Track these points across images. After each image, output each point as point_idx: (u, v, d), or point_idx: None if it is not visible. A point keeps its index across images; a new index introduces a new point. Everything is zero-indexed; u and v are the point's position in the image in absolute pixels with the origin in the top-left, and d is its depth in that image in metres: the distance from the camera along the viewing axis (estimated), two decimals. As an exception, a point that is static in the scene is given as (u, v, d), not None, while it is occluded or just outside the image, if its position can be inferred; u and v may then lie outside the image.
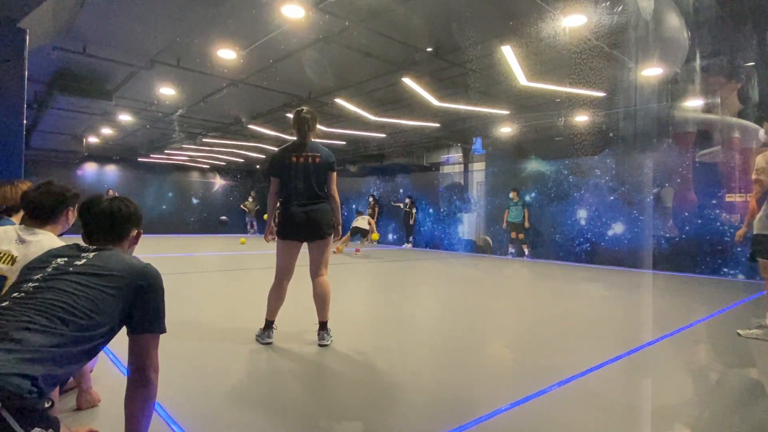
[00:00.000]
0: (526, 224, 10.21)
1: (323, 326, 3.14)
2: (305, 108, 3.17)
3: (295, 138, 3.16)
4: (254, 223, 18.37)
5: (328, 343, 3.10)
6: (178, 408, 2.10)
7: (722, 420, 2.19)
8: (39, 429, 1.06)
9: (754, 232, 3.51)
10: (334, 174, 3.17)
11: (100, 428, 1.84)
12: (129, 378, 1.43)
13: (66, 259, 1.44)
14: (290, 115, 9.13)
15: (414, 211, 13.13)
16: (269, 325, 3.19)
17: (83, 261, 1.43)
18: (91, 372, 2.27)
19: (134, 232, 1.70)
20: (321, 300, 3.10)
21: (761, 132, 3.77)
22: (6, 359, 1.07)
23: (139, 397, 1.42)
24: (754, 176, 3.49)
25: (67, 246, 1.54)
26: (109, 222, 1.60)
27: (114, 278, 1.39)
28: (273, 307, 3.18)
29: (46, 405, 1.12)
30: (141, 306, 1.42)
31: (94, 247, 1.52)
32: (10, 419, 1.00)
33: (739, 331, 3.59)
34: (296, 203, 3.02)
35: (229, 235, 17.38)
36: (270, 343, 3.15)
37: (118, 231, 1.62)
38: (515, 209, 10.31)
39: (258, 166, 18.87)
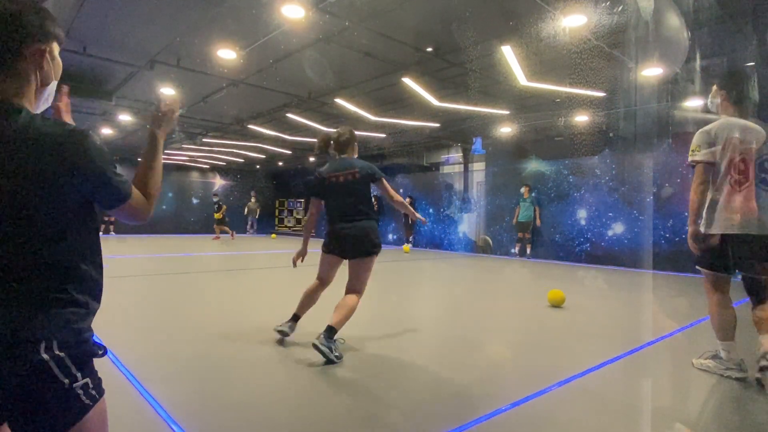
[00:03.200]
0: (538, 222, 10.15)
1: (330, 330, 2.84)
2: (341, 129, 3.32)
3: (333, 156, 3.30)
4: (254, 222, 18.35)
5: (324, 349, 2.74)
6: (178, 408, 2.10)
7: (722, 420, 2.18)
8: (89, 381, 0.99)
9: (702, 231, 2.70)
10: (383, 181, 3.21)
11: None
12: None
13: None
14: (293, 116, 9.19)
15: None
16: (294, 317, 3.27)
17: None
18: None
19: (33, 49, 1.04)
20: (342, 310, 2.98)
21: (709, 99, 2.99)
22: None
23: None
24: (689, 159, 2.74)
25: None
26: None
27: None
28: (302, 304, 3.29)
29: (100, 352, 1.05)
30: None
31: None
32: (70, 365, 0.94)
33: (693, 360, 2.91)
34: (339, 221, 3.10)
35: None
36: (285, 333, 3.21)
37: None
38: (525, 206, 10.24)
39: (258, 166, 18.88)
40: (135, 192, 1.13)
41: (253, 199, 18.33)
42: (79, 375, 0.96)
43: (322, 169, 3.25)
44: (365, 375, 2.66)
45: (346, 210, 3.09)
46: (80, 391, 0.96)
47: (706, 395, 2.49)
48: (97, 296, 1.07)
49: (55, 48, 1.14)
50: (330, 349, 2.77)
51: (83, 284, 1.02)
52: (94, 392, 1.00)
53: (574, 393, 2.42)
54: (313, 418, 2.06)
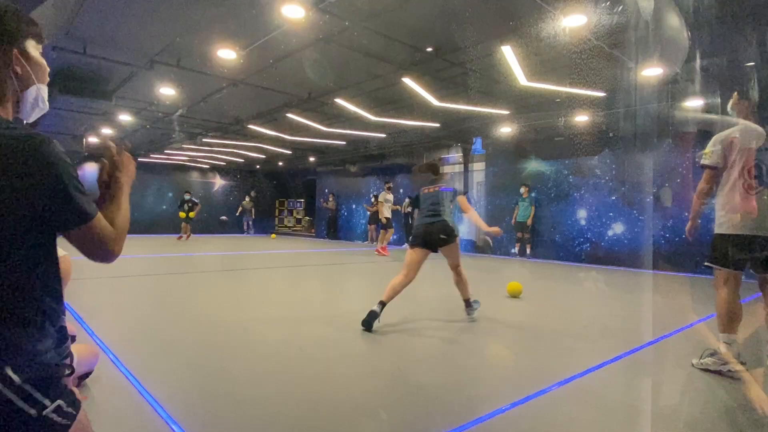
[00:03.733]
0: (529, 221, 10.20)
1: (467, 303, 4.11)
2: (432, 161, 4.40)
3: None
4: (251, 223, 18.29)
5: (474, 315, 4.11)
6: (178, 408, 2.10)
7: (722, 420, 2.18)
8: (61, 402, 0.92)
9: (715, 232, 2.97)
10: (462, 198, 4.22)
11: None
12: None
13: None
14: (293, 116, 9.18)
15: (415, 211, 13.15)
16: (381, 303, 3.74)
17: None
18: (91, 372, 2.27)
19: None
20: (459, 284, 4.09)
21: (729, 105, 3.06)
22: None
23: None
24: (701, 161, 2.93)
25: None
26: None
27: None
28: (388, 292, 3.84)
29: (66, 372, 0.98)
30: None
31: None
32: (33, 391, 0.87)
33: (693, 361, 2.93)
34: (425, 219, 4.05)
35: (229, 235, 17.38)
36: (375, 316, 3.61)
37: None
38: (523, 206, 10.30)
39: (258, 166, 18.87)
40: (101, 216, 1.00)
41: (247, 198, 18.27)
42: (47, 401, 0.89)
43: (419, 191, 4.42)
44: (365, 375, 2.66)
45: (433, 211, 4.13)
46: (53, 415, 0.90)
47: (706, 395, 2.49)
48: (54, 322, 0.97)
49: (32, 48, 1.02)
50: (474, 311, 4.14)
51: (36, 306, 0.93)
52: (70, 409, 0.94)
53: (574, 393, 2.42)
54: (313, 418, 2.06)
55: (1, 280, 0.89)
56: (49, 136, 0.92)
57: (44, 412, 0.88)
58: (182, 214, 13.73)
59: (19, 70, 0.98)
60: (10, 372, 0.85)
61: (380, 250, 10.75)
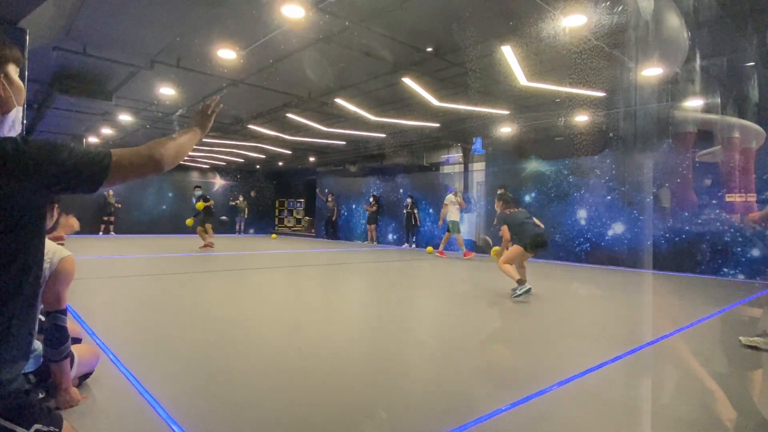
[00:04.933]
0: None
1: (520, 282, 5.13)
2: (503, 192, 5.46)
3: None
4: (243, 223, 18.22)
5: (519, 294, 5.00)
6: (178, 408, 2.10)
7: (722, 420, 2.18)
8: (39, 426, 0.94)
9: None
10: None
11: (82, 429, 1.82)
12: None
13: None
14: (293, 116, 9.18)
15: (416, 211, 13.16)
16: (520, 281, 5.09)
17: None
18: (92, 373, 2.27)
19: None
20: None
21: None
22: None
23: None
24: None
25: None
26: None
27: None
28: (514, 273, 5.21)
29: (40, 396, 1.02)
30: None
31: None
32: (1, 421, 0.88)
33: (741, 338, 3.32)
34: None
35: (229, 235, 17.37)
36: (527, 290, 5.00)
37: None
38: None
39: (258, 166, 18.87)
40: (118, 153, 1.02)
41: (240, 198, 18.20)
42: (21, 430, 0.90)
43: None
44: (365, 375, 2.66)
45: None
46: None
47: (706, 395, 2.49)
48: (23, 345, 0.97)
49: (12, 71, 1.04)
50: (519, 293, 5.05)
51: (4, 334, 0.92)
52: (51, 427, 0.95)
53: (574, 393, 2.42)
54: (313, 418, 2.06)
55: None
56: (18, 136, 0.94)
57: None
58: (190, 222, 11.13)
59: (1, 93, 1.01)
60: None
61: (465, 255, 10.30)
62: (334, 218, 16.27)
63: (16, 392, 0.93)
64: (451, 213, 10.37)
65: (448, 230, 10.42)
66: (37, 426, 0.93)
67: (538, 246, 5.15)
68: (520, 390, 2.41)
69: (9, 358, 0.93)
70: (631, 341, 3.47)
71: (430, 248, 11.86)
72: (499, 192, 6.02)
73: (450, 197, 10.63)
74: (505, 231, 5.56)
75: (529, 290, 5.07)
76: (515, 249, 5.21)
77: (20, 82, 1.06)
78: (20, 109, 1.06)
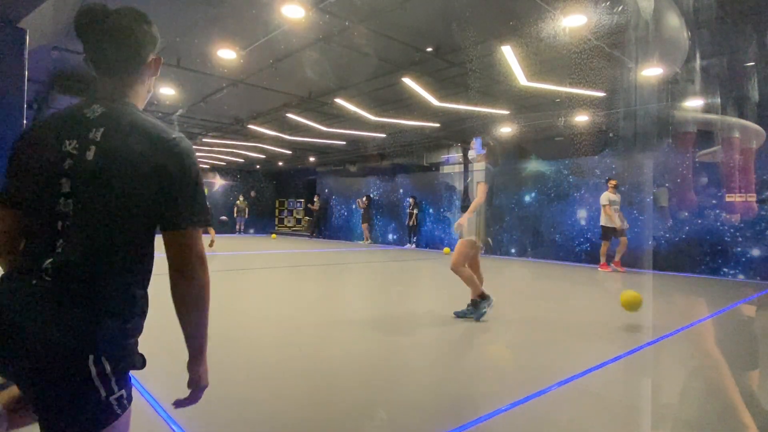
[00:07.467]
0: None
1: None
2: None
3: None
4: (243, 224, 18.23)
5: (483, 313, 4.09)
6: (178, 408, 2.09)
7: (722, 420, 2.18)
8: (125, 392, 1.00)
9: None
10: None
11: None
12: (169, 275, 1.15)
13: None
14: (293, 116, 9.17)
15: (416, 212, 13.17)
16: (484, 297, 4.16)
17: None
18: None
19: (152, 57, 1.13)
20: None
21: None
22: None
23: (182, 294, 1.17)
24: None
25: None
26: (112, 41, 1.02)
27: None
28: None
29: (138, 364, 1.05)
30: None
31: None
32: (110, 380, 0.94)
33: None
34: None
35: (229, 235, 17.37)
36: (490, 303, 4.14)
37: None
38: None
39: (258, 166, 18.86)
40: (200, 234, 1.11)
41: (241, 198, 18.21)
42: (116, 388, 0.97)
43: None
44: (365, 374, 2.66)
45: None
46: (114, 402, 0.97)
47: (706, 395, 2.49)
48: (144, 314, 1.09)
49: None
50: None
51: (133, 301, 1.03)
52: (126, 401, 1.02)
53: (574, 393, 2.42)
54: (313, 418, 2.06)
55: (129, 268, 1.01)
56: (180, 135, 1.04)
57: (111, 398, 0.96)
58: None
59: (157, 72, 1.17)
60: (103, 360, 0.93)
61: (614, 264, 8.23)
62: (319, 217, 16.83)
63: (132, 356, 1.02)
64: (614, 216, 8.10)
65: (605, 238, 8.26)
66: (123, 391, 1.00)
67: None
68: (520, 390, 2.41)
69: (132, 318, 1.03)
70: (631, 341, 3.47)
71: (447, 249, 11.87)
72: (490, 144, 5.34)
73: (607, 195, 8.19)
74: (481, 193, 4.73)
75: (491, 303, 4.15)
76: (466, 243, 4.34)
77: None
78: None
